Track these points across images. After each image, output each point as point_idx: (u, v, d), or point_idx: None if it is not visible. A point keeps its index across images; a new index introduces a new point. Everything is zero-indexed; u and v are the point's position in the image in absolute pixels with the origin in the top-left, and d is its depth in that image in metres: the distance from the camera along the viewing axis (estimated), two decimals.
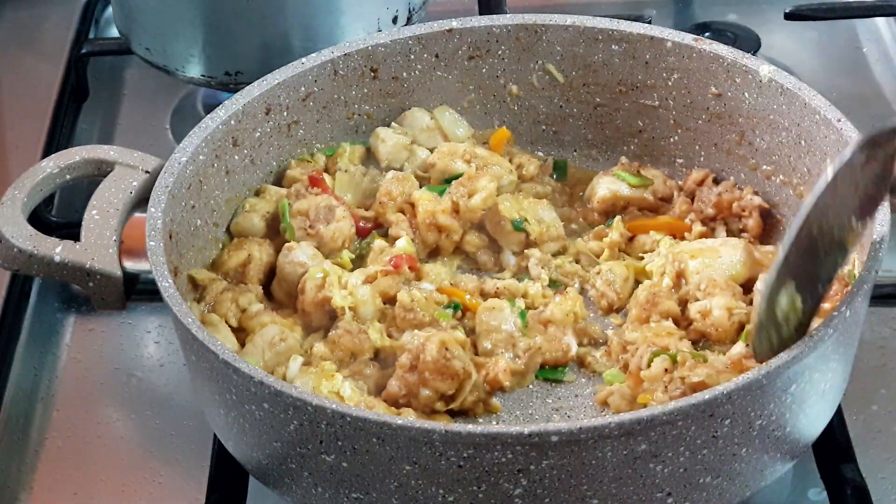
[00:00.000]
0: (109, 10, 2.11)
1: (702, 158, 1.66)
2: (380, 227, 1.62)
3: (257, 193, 1.62)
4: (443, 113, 1.70)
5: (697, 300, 1.48)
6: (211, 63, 1.84)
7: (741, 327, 1.45)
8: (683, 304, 1.50)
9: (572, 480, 1.25)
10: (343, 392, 1.41)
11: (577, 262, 1.60)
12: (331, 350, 1.46)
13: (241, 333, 1.49)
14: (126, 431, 1.57)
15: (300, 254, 1.54)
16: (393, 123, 1.69)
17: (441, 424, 1.24)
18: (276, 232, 1.59)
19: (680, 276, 1.51)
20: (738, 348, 1.42)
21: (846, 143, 1.46)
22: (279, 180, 1.64)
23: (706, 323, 1.46)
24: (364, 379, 1.45)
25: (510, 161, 1.67)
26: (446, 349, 1.43)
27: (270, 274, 1.56)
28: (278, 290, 1.55)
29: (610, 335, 1.50)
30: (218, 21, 1.81)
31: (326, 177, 1.63)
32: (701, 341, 1.48)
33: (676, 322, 1.48)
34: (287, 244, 1.55)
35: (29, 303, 1.70)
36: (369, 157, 1.68)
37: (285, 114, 1.62)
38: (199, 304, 1.50)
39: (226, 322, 1.49)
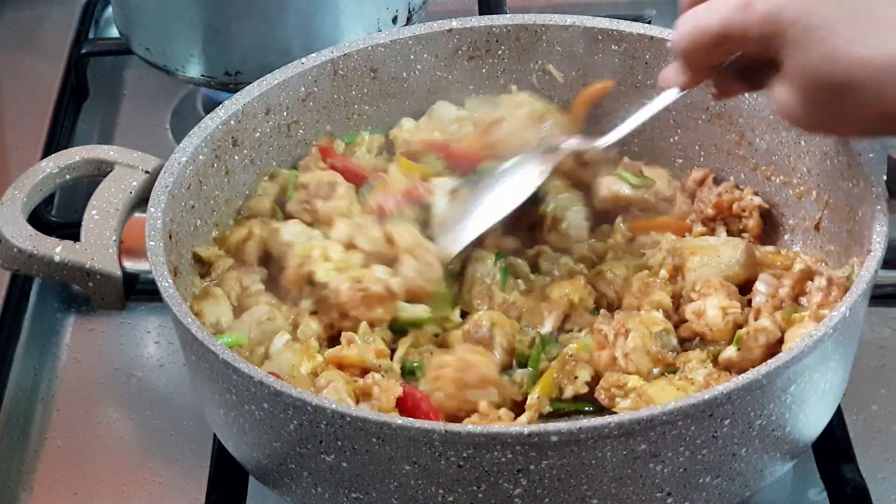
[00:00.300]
0: (109, 10, 2.11)
1: (701, 159, 1.66)
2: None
3: (271, 177, 1.62)
4: (472, 101, 1.69)
5: (692, 300, 1.47)
6: (211, 63, 1.84)
7: (736, 327, 1.45)
8: (678, 297, 1.50)
9: (572, 480, 1.25)
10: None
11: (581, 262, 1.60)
12: (318, 311, 1.48)
13: (241, 311, 1.50)
14: (126, 431, 1.57)
15: (286, 233, 1.54)
16: (422, 118, 1.68)
17: (441, 424, 1.24)
18: (278, 212, 1.59)
19: (678, 271, 1.51)
20: (731, 351, 1.42)
21: (846, 143, 1.47)
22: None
23: (700, 323, 1.46)
24: None
25: None
26: (358, 281, 1.45)
27: None
28: (275, 269, 1.55)
29: (595, 317, 1.49)
30: (218, 21, 1.81)
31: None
32: (695, 339, 1.47)
33: (668, 315, 1.48)
34: (275, 224, 1.56)
35: (29, 303, 1.70)
36: (388, 146, 1.68)
37: (285, 114, 1.62)
38: (204, 280, 1.51)
39: (227, 298, 1.50)
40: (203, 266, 1.52)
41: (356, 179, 1.60)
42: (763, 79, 1.32)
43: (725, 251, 1.51)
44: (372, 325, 1.46)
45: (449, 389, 1.39)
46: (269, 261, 1.56)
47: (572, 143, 1.57)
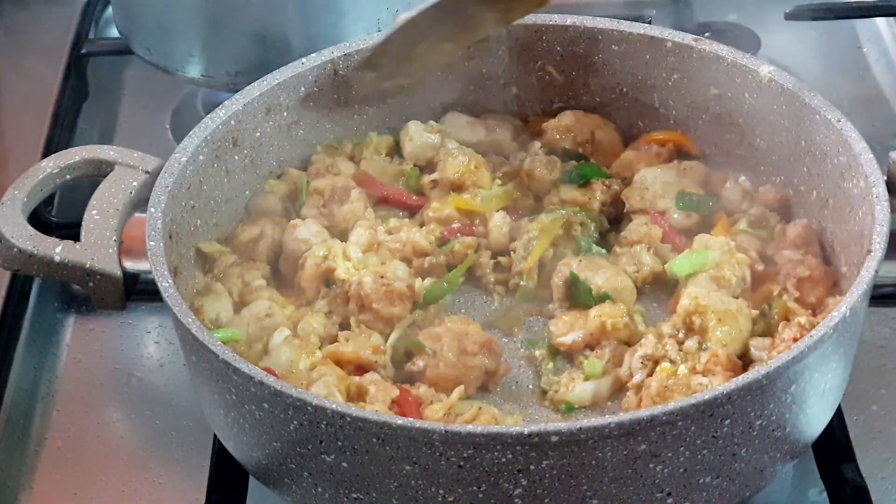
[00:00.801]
0: (109, 10, 2.11)
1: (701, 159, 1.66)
2: (408, 209, 1.62)
3: (279, 177, 1.63)
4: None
5: (697, 371, 1.42)
6: (211, 63, 1.84)
7: None
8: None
9: (572, 480, 1.25)
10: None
11: None
12: (331, 309, 1.50)
13: (242, 306, 1.51)
14: (126, 431, 1.57)
15: (304, 231, 1.55)
16: (430, 122, 1.68)
17: (441, 424, 1.24)
18: (291, 212, 1.60)
19: (696, 332, 1.46)
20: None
21: (846, 143, 1.47)
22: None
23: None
24: None
25: None
26: (382, 276, 1.47)
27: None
28: (284, 266, 1.56)
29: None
30: (218, 21, 1.81)
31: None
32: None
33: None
34: (292, 221, 1.56)
35: (29, 303, 1.70)
36: (397, 148, 1.68)
37: (285, 114, 1.62)
38: (206, 276, 1.51)
39: (228, 294, 1.50)
40: (206, 261, 1.53)
41: (398, 204, 1.62)
42: None
43: (742, 319, 1.45)
44: (390, 323, 1.48)
45: (449, 358, 1.42)
46: (276, 259, 1.56)
47: None
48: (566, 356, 1.50)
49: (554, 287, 1.54)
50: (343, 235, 1.57)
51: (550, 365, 1.50)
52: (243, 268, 1.53)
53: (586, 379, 1.46)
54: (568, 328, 1.50)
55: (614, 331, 1.48)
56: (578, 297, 1.52)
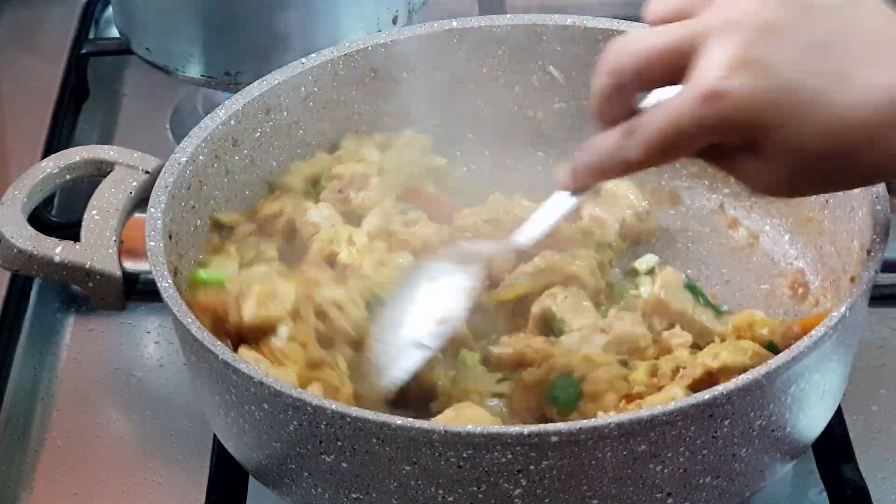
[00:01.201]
0: (109, 10, 2.11)
1: (701, 160, 1.65)
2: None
3: (305, 159, 1.63)
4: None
5: None
6: (211, 63, 1.84)
7: None
8: None
9: (572, 481, 1.25)
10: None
11: None
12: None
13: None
14: (126, 431, 1.57)
15: (315, 214, 1.55)
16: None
17: (441, 424, 1.24)
18: (312, 195, 1.60)
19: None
20: None
21: None
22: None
23: None
24: None
25: None
26: (383, 264, 1.46)
27: None
28: (298, 247, 1.55)
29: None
30: (218, 21, 1.82)
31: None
32: None
33: None
34: (305, 204, 1.56)
35: (29, 303, 1.70)
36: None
37: (285, 114, 1.62)
38: (224, 242, 1.52)
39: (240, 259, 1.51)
40: (222, 231, 1.53)
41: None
42: (723, 158, 1.21)
43: None
44: None
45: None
46: (293, 238, 1.56)
47: (488, 247, 1.42)
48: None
49: (531, 315, 1.47)
50: (358, 222, 1.56)
51: None
52: (260, 237, 1.53)
53: None
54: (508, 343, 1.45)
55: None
56: (550, 334, 1.46)
